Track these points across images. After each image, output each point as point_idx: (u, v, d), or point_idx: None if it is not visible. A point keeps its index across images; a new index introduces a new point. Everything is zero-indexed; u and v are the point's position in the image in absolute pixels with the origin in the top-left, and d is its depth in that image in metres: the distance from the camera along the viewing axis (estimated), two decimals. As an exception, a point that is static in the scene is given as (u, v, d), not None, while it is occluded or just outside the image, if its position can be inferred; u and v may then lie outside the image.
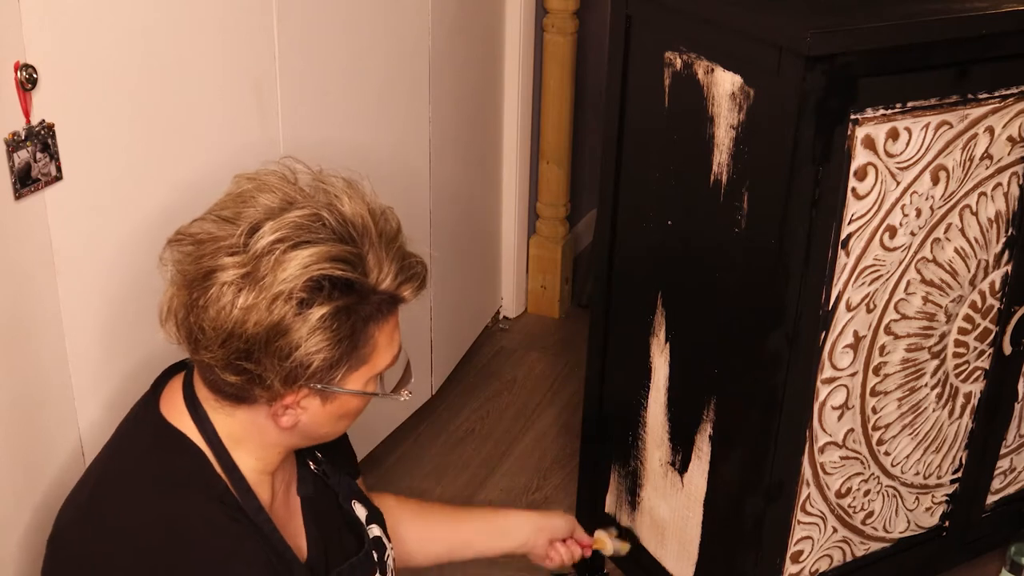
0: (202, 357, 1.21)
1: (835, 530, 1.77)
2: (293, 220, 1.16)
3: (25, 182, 1.32)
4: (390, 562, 1.45)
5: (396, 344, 1.26)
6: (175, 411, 1.26)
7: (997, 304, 1.73)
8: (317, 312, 1.15)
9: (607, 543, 1.66)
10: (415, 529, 1.60)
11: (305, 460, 1.38)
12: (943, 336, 1.70)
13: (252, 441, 1.26)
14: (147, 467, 1.25)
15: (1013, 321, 1.76)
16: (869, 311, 1.59)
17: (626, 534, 1.89)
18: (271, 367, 1.17)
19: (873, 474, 1.76)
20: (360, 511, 1.44)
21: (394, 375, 1.31)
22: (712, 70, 1.49)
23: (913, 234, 1.57)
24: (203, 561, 1.19)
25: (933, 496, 1.88)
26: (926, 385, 1.73)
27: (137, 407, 1.32)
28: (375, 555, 1.41)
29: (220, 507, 1.22)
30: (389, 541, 1.46)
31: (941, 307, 1.67)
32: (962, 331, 1.72)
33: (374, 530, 1.44)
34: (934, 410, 1.77)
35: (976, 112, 1.53)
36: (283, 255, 1.15)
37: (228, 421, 1.25)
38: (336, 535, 1.39)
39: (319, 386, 1.20)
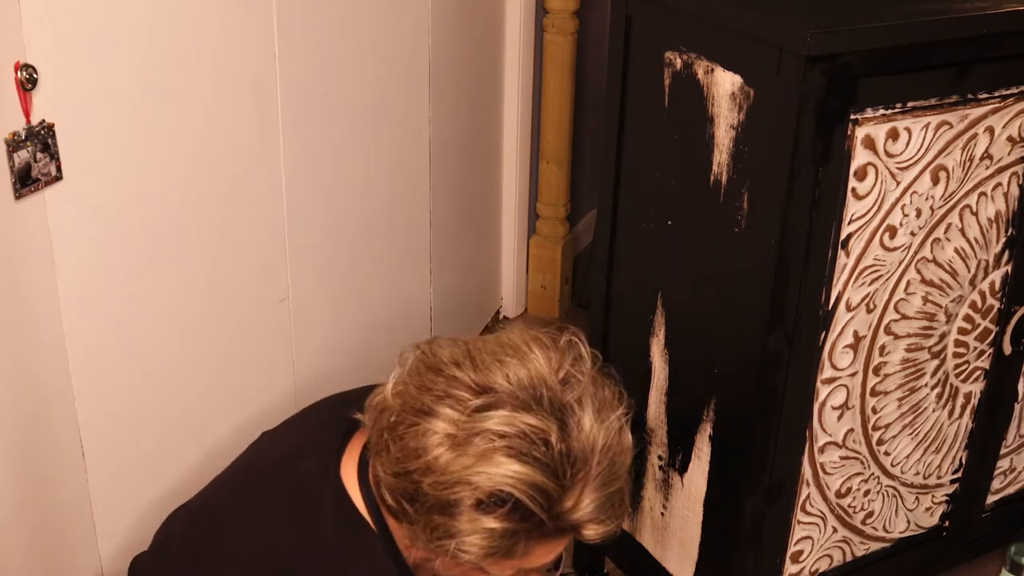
0: (375, 465, 1.21)
1: (835, 530, 1.77)
2: (523, 426, 1.13)
3: (25, 182, 1.32)
4: None
5: (553, 555, 1.23)
6: (352, 480, 1.25)
7: (997, 304, 1.73)
8: (488, 522, 1.12)
9: None
10: None
11: None
12: (943, 336, 1.70)
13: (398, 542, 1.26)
14: (323, 539, 1.24)
15: (1013, 321, 1.76)
16: (869, 311, 1.59)
17: None
18: (422, 528, 1.16)
19: (873, 474, 1.76)
20: None
21: None
22: (712, 70, 1.49)
23: (913, 234, 1.57)
24: None
25: (933, 496, 1.88)
26: (926, 385, 1.73)
27: (320, 446, 1.29)
28: None
29: None
30: None
31: (941, 307, 1.67)
32: (962, 331, 1.72)
33: None
34: (934, 410, 1.77)
35: (976, 112, 1.53)
36: (493, 451, 1.12)
37: (388, 517, 1.25)
38: None
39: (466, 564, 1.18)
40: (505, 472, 1.11)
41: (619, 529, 1.22)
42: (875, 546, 1.85)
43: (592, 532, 1.18)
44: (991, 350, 1.78)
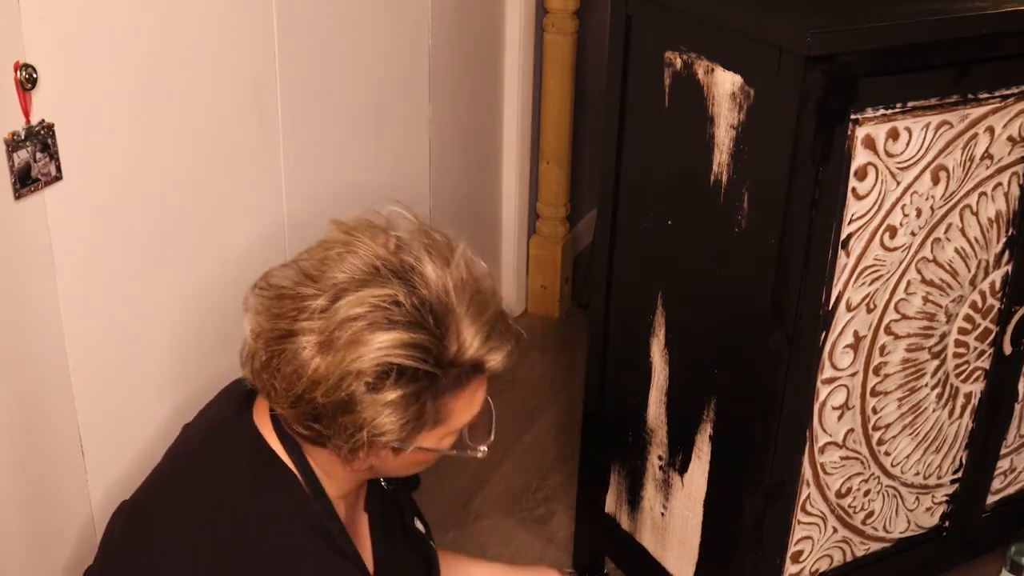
0: (273, 408, 1.22)
1: (835, 530, 1.77)
2: (372, 299, 1.15)
3: (25, 182, 1.32)
4: None
5: (477, 404, 1.24)
6: (267, 429, 1.26)
7: (997, 304, 1.73)
8: (386, 396, 1.14)
9: None
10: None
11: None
12: (943, 336, 1.70)
13: (329, 472, 1.26)
14: (247, 491, 1.24)
15: (1013, 321, 1.76)
16: (869, 311, 1.59)
17: None
18: (339, 435, 1.17)
19: (873, 474, 1.76)
20: (420, 527, 1.44)
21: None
22: (712, 70, 1.49)
23: (913, 234, 1.57)
24: None
25: (933, 496, 1.88)
26: (926, 385, 1.73)
27: (230, 411, 1.30)
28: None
29: (322, 540, 1.22)
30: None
31: (941, 307, 1.67)
32: (962, 331, 1.72)
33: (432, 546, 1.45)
34: (934, 410, 1.77)
35: (976, 112, 1.53)
36: (358, 334, 1.13)
37: (310, 450, 1.25)
38: (401, 552, 1.39)
39: (389, 445, 1.20)
40: (375, 347, 1.13)
41: (516, 351, 1.23)
42: (875, 546, 1.85)
43: (494, 361, 1.21)
44: (991, 350, 1.78)
